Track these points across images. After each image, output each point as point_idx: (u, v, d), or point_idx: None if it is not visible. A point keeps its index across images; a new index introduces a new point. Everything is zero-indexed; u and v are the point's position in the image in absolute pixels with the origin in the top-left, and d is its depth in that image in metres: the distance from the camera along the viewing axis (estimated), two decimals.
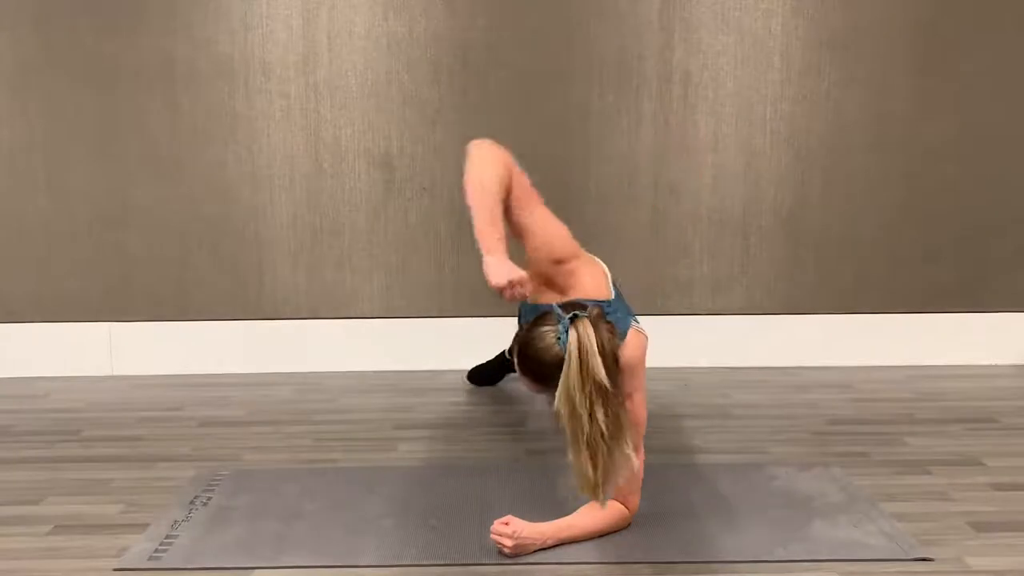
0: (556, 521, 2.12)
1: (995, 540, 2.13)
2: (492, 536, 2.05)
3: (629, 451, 1.96)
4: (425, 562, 2.05)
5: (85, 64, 3.33)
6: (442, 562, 2.04)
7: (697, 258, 3.50)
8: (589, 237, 3.45)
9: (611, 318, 2.07)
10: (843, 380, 3.36)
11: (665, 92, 3.39)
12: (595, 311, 1.99)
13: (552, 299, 2.12)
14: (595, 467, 1.94)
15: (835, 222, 3.48)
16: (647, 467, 2.56)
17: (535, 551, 2.06)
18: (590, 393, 1.90)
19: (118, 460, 2.67)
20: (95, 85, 3.35)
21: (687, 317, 3.52)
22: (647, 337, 2.19)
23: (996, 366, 3.52)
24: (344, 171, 3.43)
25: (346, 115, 3.40)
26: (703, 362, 3.53)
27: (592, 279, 2.19)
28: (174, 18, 3.32)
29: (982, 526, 2.19)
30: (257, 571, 2.02)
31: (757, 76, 3.39)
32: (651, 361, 3.51)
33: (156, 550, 2.10)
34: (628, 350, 2.09)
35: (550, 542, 2.08)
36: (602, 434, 1.91)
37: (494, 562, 2.03)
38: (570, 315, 1.95)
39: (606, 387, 1.90)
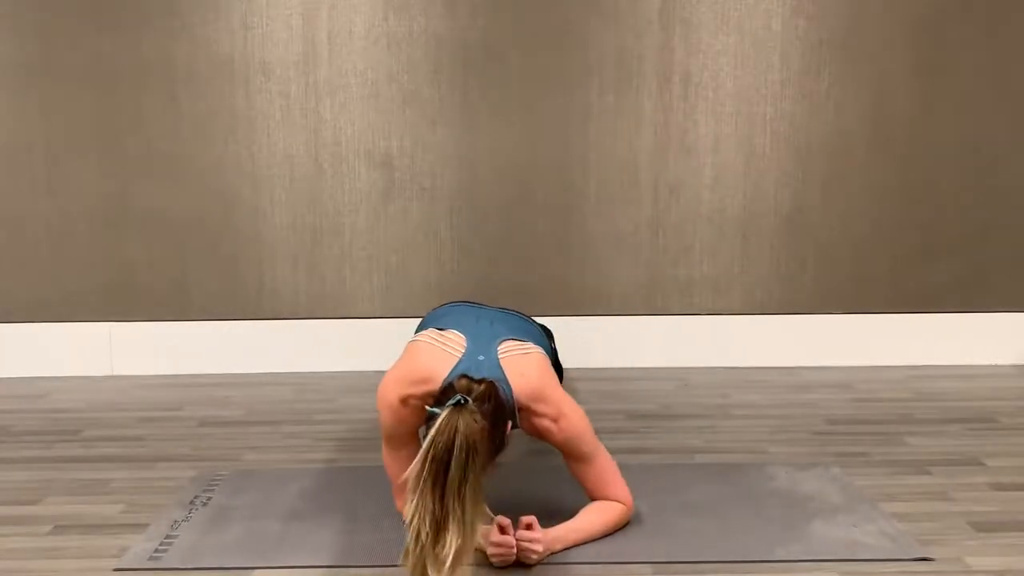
0: (564, 525, 2.10)
1: (995, 540, 2.13)
2: (523, 546, 1.99)
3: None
4: None
5: (85, 64, 3.33)
6: None
7: (697, 258, 3.50)
8: (589, 237, 3.48)
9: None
10: (843, 380, 3.36)
11: (665, 92, 3.39)
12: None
13: None
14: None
15: (835, 222, 3.48)
16: (647, 467, 2.56)
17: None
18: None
19: (118, 460, 2.67)
20: (95, 85, 3.35)
21: (687, 317, 3.52)
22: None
23: (996, 366, 3.52)
24: (344, 171, 3.43)
25: (346, 115, 3.40)
26: (703, 362, 3.53)
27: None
28: (174, 18, 3.32)
29: (982, 526, 2.19)
30: (257, 571, 2.02)
31: (757, 76, 3.39)
32: (651, 361, 3.53)
33: (156, 550, 2.10)
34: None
35: (558, 547, 2.07)
36: None
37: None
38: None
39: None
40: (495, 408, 1.91)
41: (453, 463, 1.74)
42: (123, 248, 3.45)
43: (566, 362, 3.43)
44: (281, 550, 2.10)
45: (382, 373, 2.17)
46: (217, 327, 3.50)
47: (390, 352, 3.50)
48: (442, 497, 1.73)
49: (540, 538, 2.01)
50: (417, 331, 2.29)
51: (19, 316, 3.48)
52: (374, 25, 3.35)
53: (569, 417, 2.10)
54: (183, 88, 3.36)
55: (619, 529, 2.16)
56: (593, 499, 2.17)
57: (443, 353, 2.08)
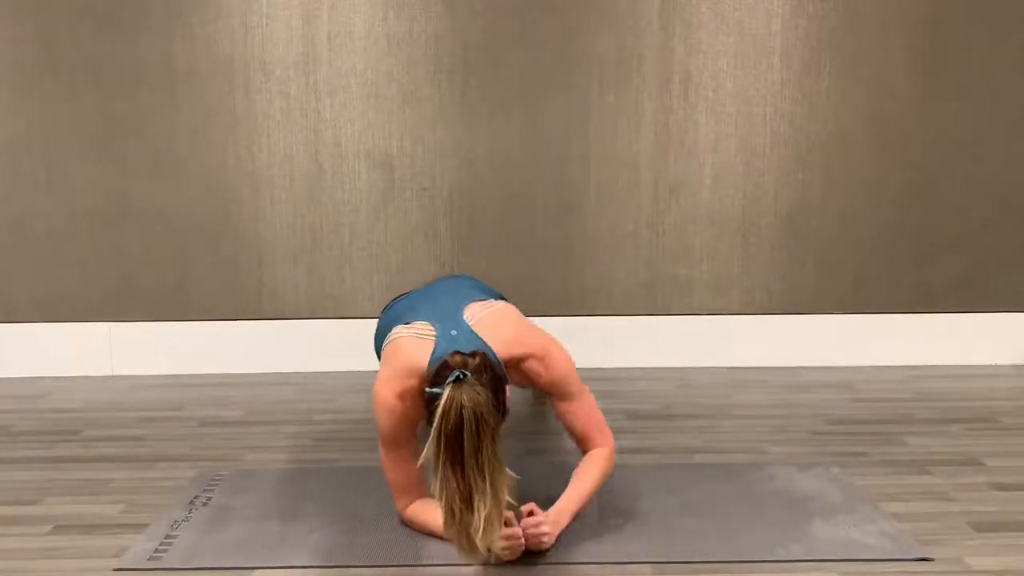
0: (562, 498, 2.11)
1: (995, 540, 2.13)
2: (530, 533, 2.01)
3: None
4: (424, 562, 2.05)
5: (85, 64, 3.33)
6: (442, 562, 2.04)
7: (697, 258, 3.50)
8: (589, 237, 3.48)
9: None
10: (843, 380, 3.36)
11: (665, 92, 3.40)
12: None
13: None
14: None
15: (835, 222, 3.48)
16: (647, 467, 2.56)
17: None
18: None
19: (118, 460, 2.67)
20: (95, 85, 3.35)
21: (687, 317, 3.52)
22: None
23: (996, 366, 3.52)
24: (344, 171, 3.43)
25: (346, 115, 3.40)
26: (703, 362, 3.53)
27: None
28: (174, 18, 3.32)
29: (982, 526, 2.19)
30: (257, 571, 2.02)
31: (757, 76, 3.39)
32: (651, 361, 3.53)
33: (156, 550, 2.10)
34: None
35: (565, 520, 2.08)
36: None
37: (494, 562, 2.03)
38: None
39: None
40: (493, 377, 1.93)
41: (465, 437, 1.80)
42: (123, 248, 3.45)
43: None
44: (281, 550, 2.10)
45: None
46: (217, 327, 3.50)
47: None
48: (463, 472, 1.81)
49: (544, 519, 2.03)
50: (381, 336, 2.28)
51: (19, 316, 3.48)
52: (374, 25, 3.35)
53: (555, 355, 2.13)
54: (183, 88, 3.36)
55: (609, 473, 2.19)
56: (579, 441, 2.19)
57: (420, 341, 2.08)
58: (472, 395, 1.83)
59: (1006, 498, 2.36)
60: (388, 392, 2.07)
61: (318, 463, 2.64)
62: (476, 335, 2.07)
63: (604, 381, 3.36)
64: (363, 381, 3.33)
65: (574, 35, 3.35)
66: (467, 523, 1.82)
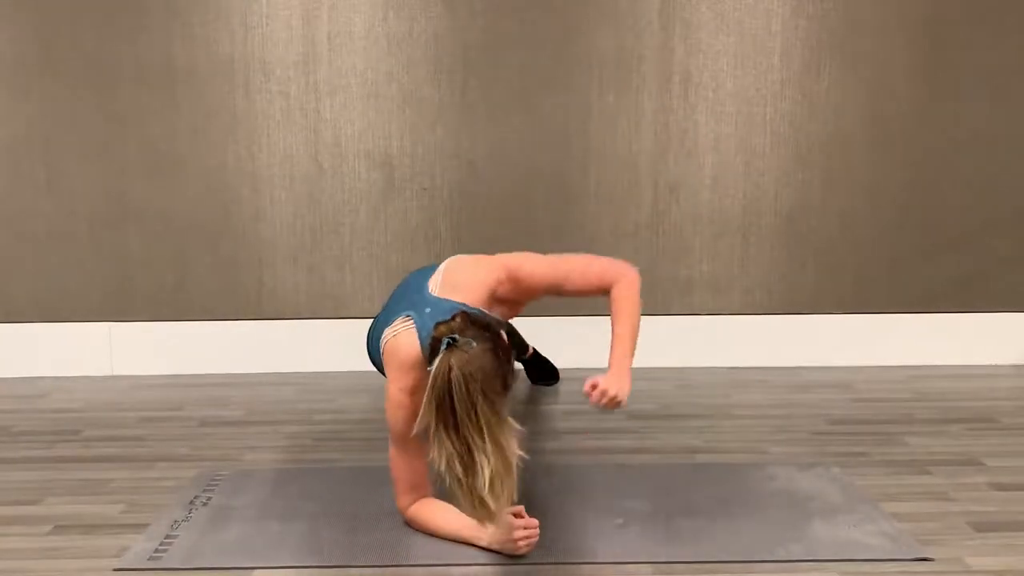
0: (612, 355, 2.18)
1: (995, 540, 2.13)
2: (604, 403, 2.04)
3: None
4: (424, 562, 2.05)
5: (85, 64, 3.33)
6: (442, 562, 2.04)
7: (697, 258, 3.50)
8: (589, 237, 3.48)
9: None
10: (843, 380, 3.36)
11: (665, 92, 3.39)
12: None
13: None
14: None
15: (835, 222, 3.48)
16: (647, 467, 2.56)
17: None
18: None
19: (118, 460, 2.67)
20: (95, 85, 3.35)
21: (687, 317, 3.52)
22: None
23: (996, 366, 3.52)
24: (344, 171, 3.43)
25: (346, 115, 3.40)
26: (703, 362, 3.53)
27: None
28: (174, 18, 3.32)
29: (982, 526, 2.19)
30: (257, 571, 2.02)
31: (757, 76, 3.39)
32: (651, 361, 3.53)
33: (156, 550, 2.10)
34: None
35: (626, 376, 2.14)
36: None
37: (494, 562, 2.03)
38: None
39: None
40: (481, 328, 1.92)
41: (455, 399, 1.79)
42: (123, 248, 3.45)
43: (565, 362, 3.44)
44: (281, 550, 2.10)
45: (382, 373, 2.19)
46: (217, 327, 3.50)
47: None
48: (457, 433, 1.80)
49: (604, 382, 2.07)
50: (375, 352, 2.29)
51: (19, 316, 3.48)
52: (374, 25, 3.35)
53: (518, 267, 2.18)
54: (183, 88, 3.36)
55: (639, 291, 2.26)
56: (605, 292, 2.23)
57: (407, 333, 2.11)
58: (460, 357, 1.82)
59: (1006, 498, 2.36)
60: (396, 390, 2.10)
61: (318, 463, 2.64)
62: (445, 300, 2.10)
63: None
64: (363, 381, 3.34)
65: (574, 35, 3.35)
66: (474, 486, 1.80)
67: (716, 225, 3.48)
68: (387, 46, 3.36)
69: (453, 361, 1.82)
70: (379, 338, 2.22)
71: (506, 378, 1.90)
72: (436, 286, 2.17)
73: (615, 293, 2.21)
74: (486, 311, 2.10)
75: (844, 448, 2.70)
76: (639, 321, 2.20)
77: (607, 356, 2.17)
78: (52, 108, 3.36)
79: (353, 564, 2.04)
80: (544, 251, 3.45)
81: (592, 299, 3.49)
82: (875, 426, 2.89)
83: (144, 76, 3.35)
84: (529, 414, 3.04)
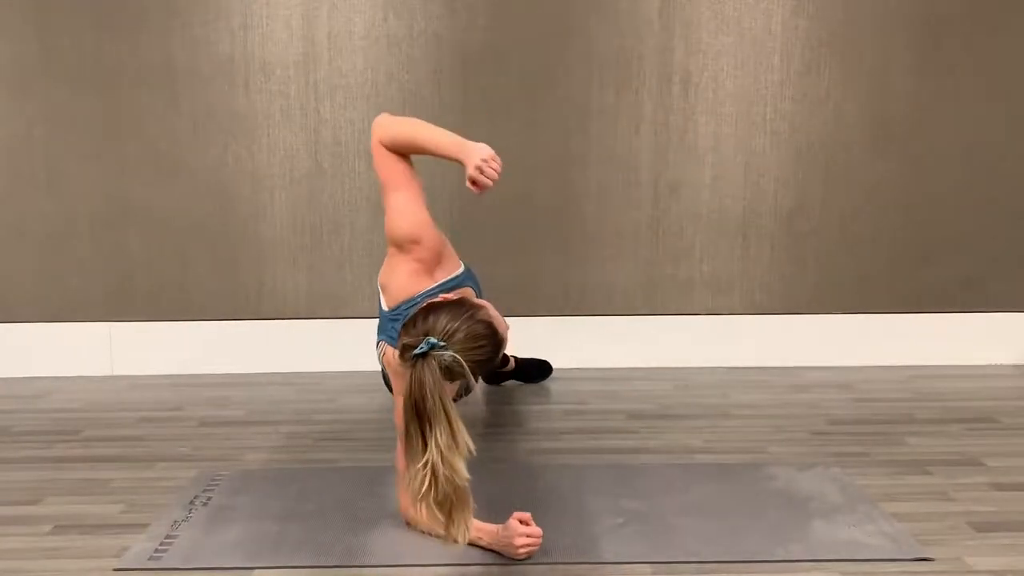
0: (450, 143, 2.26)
1: (995, 540, 2.13)
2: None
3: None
4: (424, 562, 2.05)
5: (85, 64, 3.33)
6: (442, 562, 2.04)
7: (697, 258, 3.50)
8: (589, 237, 3.48)
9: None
10: (843, 380, 3.36)
11: (665, 92, 3.39)
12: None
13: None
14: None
15: (835, 222, 3.48)
16: (647, 467, 2.57)
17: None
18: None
19: (118, 460, 2.67)
20: (95, 85, 3.35)
21: (687, 317, 3.52)
22: None
23: (996, 366, 3.52)
24: (344, 171, 3.43)
25: (346, 115, 3.40)
26: (703, 362, 3.53)
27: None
28: (174, 18, 3.32)
29: (982, 526, 2.20)
30: (257, 571, 2.02)
31: (757, 76, 3.39)
32: (651, 361, 3.53)
33: (156, 550, 2.10)
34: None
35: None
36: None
37: (494, 562, 2.04)
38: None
39: None
40: (425, 319, 1.90)
41: (418, 409, 1.81)
42: (123, 248, 3.45)
43: (565, 362, 3.44)
44: (281, 550, 2.10)
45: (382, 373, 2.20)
46: (217, 327, 3.50)
47: None
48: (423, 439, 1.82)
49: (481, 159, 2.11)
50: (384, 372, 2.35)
51: (19, 316, 3.48)
52: (374, 25, 3.35)
53: (387, 212, 2.30)
54: (183, 88, 3.36)
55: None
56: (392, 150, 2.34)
57: (390, 349, 2.15)
58: (419, 375, 1.82)
59: (1006, 498, 2.36)
60: (400, 400, 2.11)
61: (318, 463, 2.64)
62: (388, 311, 2.19)
63: (604, 381, 3.36)
64: (363, 381, 3.34)
65: (574, 35, 3.35)
66: (452, 486, 1.81)
67: (716, 225, 3.48)
68: (387, 46, 3.36)
69: (413, 377, 1.83)
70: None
71: (481, 350, 1.89)
72: (384, 302, 2.24)
73: (378, 135, 2.32)
74: (426, 290, 2.16)
75: (844, 448, 2.70)
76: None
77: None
78: (52, 108, 3.36)
79: (353, 564, 2.04)
80: (544, 252, 3.48)
81: (594, 300, 3.51)
82: (875, 426, 2.89)
83: (144, 76, 3.35)
84: (528, 414, 3.04)
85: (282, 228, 3.46)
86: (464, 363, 1.83)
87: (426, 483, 1.79)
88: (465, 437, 1.81)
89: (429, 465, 1.79)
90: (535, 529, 2.03)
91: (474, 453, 1.83)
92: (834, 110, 3.41)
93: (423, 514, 1.88)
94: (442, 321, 1.88)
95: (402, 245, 2.21)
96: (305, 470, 2.58)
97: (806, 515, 2.25)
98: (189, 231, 3.45)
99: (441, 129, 2.28)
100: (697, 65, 3.38)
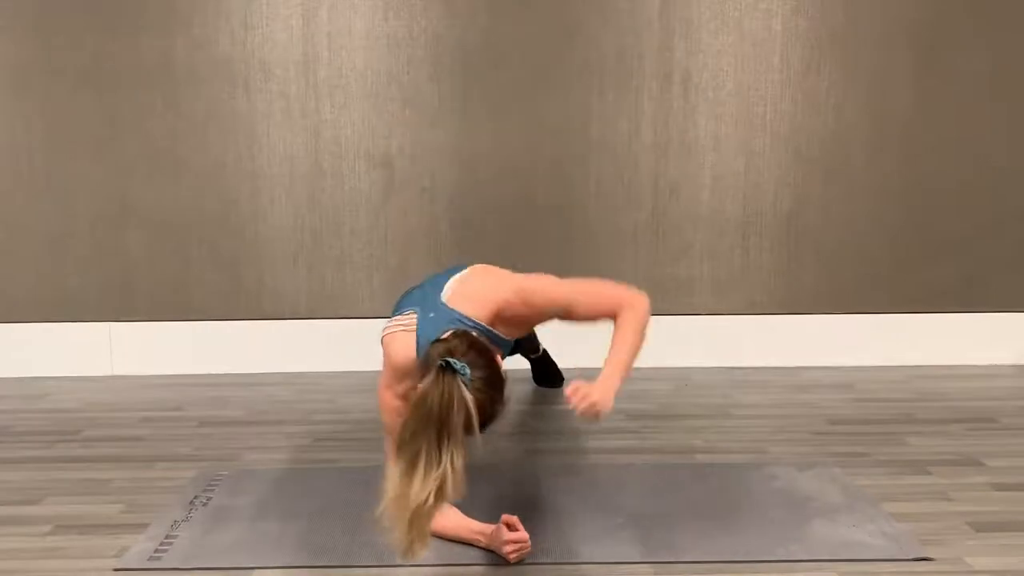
0: (607, 363, 2.07)
1: (995, 540, 2.13)
2: (582, 408, 1.94)
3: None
4: (425, 562, 2.04)
5: (85, 64, 3.33)
6: (442, 562, 2.04)
7: (697, 258, 3.50)
8: (589, 237, 3.48)
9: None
10: (843, 380, 3.36)
11: (665, 92, 3.39)
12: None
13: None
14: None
15: (835, 222, 3.48)
16: (647, 467, 2.56)
17: None
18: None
19: (118, 460, 2.67)
20: (95, 85, 3.35)
21: (687, 317, 3.52)
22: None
23: (996, 366, 3.52)
24: (344, 171, 3.43)
25: (346, 115, 3.40)
26: (703, 362, 3.53)
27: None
28: (174, 18, 3.32)
29: (982, 526, 2.19)
30: (257, 571, 2.02)
31: (757, 76, 3.39)
32: (651, 361, 3.52)
33: (156, 550, 2.10)
34: None
35: (611, 387, 2.02)
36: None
37: (494, 562, 2.03)
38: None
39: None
40: (478, 351, 1.88)
41: (427, 428, 1.76)
42: (123, 248, 3.45)
43: (565, 362, 3.44)
44: (281, 550, 2.10)
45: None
46: (217, 327, 3.50)
47: None
48: (415, 455, 1.77)
49: (588, 387, 1.95)
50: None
51: (19, 316, 3.48)
52: (374, 25, 3.34)
53: (529, 288, 2.13)
54: (183, 88, 3.36)
55: (647, 322, 2.13)
56: (614, 319, 2.14)
57: (405, 335, 2.10)
58: (448, 386, 1.78)
59: (1006, 498, 2.36)
60: (389, 395, 2.11)
61: (318, 463, 2.64)
62: (452, 310, 2.08)
63: None
64: (363, 381, 3.34)
65: (574, 35, 3.35)
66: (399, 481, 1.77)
67: (716, 225, 3.48)
68: (387, 46, 3.36)
69: (441, 388, 1.78)
70: (395, 312, 2.22)
71: (490, 410, 1.86)
72: (450, 292, 2.15)
73: (620, 318, 2.13)
74: (490, 328, 2.08)
75: (844, 448, 2.70)
76: (639, 346, 2.13)
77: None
78: (52, 108, 3.36)
79: (353, 564, 2.04)
80: (544, 252, 3.48)
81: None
82: (875, 426, 2.89)
83: (144, 76, 3.35)
84: (531, 414, 3.04)
85: (282, 228, 3.46)
86: (475, 408, 1.80)
87: (432, 497, 1.75)
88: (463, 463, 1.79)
89: (439, 478, 1.75)
90: (521, 534, 2.01)
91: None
92: (834, 110, 3.41)
93: (403, 519, 1.80)
94: (466, 356, 1.85)
95: None
96: (305, 470, 2.58)
97: (806, 515, 2.24)
98: (189, 231, 3.45)
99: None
100: (697, 65, 3.38)
